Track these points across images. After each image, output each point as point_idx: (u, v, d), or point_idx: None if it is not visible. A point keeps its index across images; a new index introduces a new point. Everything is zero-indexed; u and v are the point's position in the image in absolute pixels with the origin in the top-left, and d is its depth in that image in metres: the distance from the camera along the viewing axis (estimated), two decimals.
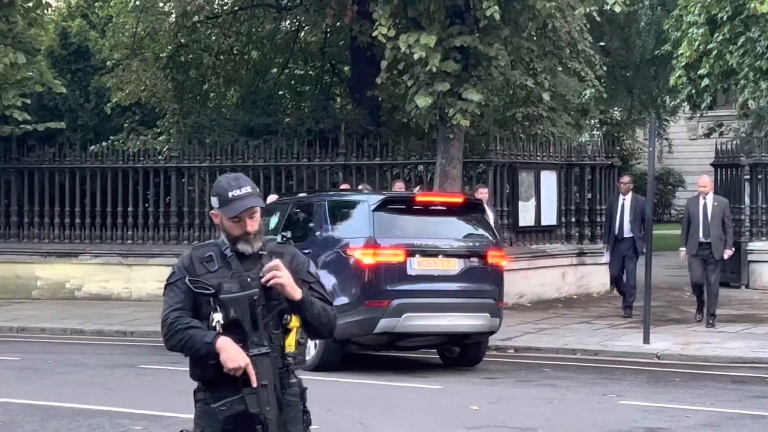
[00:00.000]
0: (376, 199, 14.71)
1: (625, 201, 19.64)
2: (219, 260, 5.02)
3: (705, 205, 18.05)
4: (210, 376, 4.95)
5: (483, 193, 18.74)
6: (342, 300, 13.73)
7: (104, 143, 26.04)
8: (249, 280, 4.93)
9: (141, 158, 24.39)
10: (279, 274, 4.88)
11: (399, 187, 20.61)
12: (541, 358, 15.99)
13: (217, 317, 4.90)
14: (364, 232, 14.29)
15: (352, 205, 15.43)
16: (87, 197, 24.13)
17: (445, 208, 15.21)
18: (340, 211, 15.37)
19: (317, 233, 14.97)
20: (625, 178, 20.76)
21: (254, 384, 4.85)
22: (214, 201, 5.04)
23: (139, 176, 24.10)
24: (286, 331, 4.97)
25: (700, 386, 13.37)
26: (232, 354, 4.84)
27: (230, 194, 4.98)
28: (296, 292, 4.92)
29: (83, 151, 24.92)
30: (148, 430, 10.39)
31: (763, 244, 23.48)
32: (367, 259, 14.01)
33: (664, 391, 12.96)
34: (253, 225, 4.99)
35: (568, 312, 20.43)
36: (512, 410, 11.68)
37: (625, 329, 18.11)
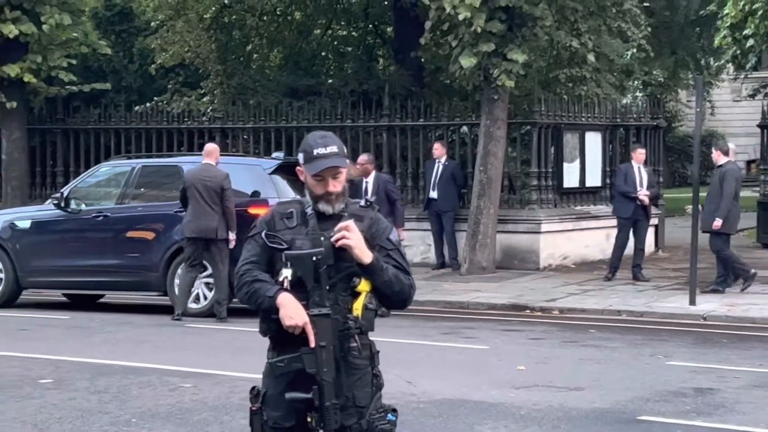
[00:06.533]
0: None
1: (368, 183, 17.58)
2: (299, 217, 4.97)
3: None
4: (273, 332, 4.93)
5: (641, 154, 19.43)
6: None
7: (148, 104, 26.23)
8: (322, 239, 4.86)
9: (185, 119, 24.51)
10: (348, 235, 4.78)
11: (438, 148, 20.59)
12: (586, 319, 15.97)
13: (286, 273, 4.85)
14: None
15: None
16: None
17: None
18: None
19: None
20: (366, 161, 17.77)
21: (312, 344, 4.79)
22: (300, 157, 4.96)
23: (183, 137, 24.22)
24: (355, 295, 4.88)
25: (747, 347, 13.32)
26: (290, 311, 4.78)
27: (315, 152, 4.88)
28: (365, 256, 4.81)
29: (128, 112, 25.07)
30: (197, 387, 10.46)
31: None
32: None
33: (711, 352, 12.92)
34: (335, 185, 4.90)
35: None
36: (559, 370, 11.67)
37: (671, 291, 18.05)
